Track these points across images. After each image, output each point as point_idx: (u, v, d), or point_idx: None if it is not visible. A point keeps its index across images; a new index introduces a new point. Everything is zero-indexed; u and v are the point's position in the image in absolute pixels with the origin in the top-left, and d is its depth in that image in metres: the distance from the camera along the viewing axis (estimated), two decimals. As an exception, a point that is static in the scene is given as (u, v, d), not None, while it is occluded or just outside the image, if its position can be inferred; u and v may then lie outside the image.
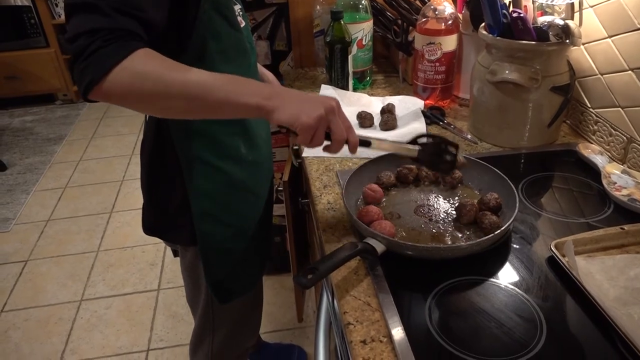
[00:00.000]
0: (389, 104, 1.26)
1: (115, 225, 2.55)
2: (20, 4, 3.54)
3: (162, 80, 0.69)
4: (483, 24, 1.11)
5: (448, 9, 1.24)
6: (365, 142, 0.82)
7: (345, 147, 0.79)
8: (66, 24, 0.70)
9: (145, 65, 0.68)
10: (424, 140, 0.85)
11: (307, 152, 1.15)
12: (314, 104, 0.73)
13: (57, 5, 3.62)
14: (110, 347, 1.87)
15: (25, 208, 2.73)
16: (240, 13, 0.96)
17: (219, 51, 0.88)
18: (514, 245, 0.84)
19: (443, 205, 0.93)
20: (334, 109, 0.75)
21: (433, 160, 0.86)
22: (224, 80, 0.73)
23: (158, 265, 2.27)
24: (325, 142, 0.77)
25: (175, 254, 1.22)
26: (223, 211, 1.02)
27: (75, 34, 0.67)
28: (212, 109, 0.74)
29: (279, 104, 0.72)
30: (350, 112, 1.29)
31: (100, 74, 0.66)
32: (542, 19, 1.06)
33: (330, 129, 0.76)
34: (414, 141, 0.86)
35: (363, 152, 1.12)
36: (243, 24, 0.96)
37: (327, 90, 1.35)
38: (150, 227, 1.09)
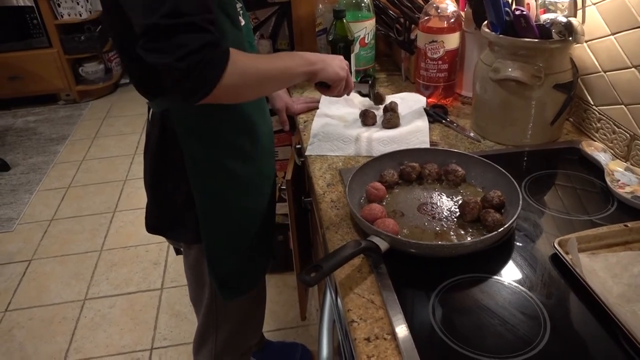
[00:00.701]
0: (391, 102, 1.26)
1: (118, 225, 2.56)
2: (22, 4, 3.55)
3: (258, 72, 0.85)
4: (485, 21, 1.11)
5: (450, 6, 1.24)
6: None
7: None
8: (161, 41, 0.72)
9: (241, 63, 0.80)
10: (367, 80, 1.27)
11: (310, 151, 1.15)
12: (338, 61, 1.01)
13: (59, 6, 3.62)
14: (114, 346, 1.88)
15: (28, 208, 2.74)
16: (241, 12, 0.96)
17: None
18: (517, 243, 0.84)
19: (446, 203, 0.93)
20: (346, 63, 1.04)
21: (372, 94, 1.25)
22: (287, 58, 0.93)
23: (161, 265, 2.27)
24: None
25: (178, 253, 1.22)
26: (227, 208, 1.03)
27: (186, 52, 0.72)
28: (283, 83, 1.02)
29: (321, 66, 0.96)
30: (353, 112, 1.29)
31: (216, 81, 0.76)
32: (545, 17, 1.06)
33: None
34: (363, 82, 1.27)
35: (366, 151, 1.13)
36: (243, 23, 0.96)
37: None
38: (154, 225, 1.10)
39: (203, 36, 0.73)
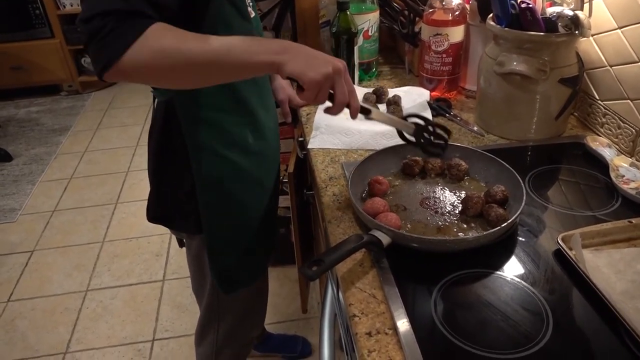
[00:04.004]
0: (395, 96, 1.26)
1: (120, 216, 2.56)
2: (25, -6, 3.54)
3: (180, 52, 0.70)
4: (491, 14, 1.10)
5: (455, -1, 1.23)
6: (366, 110, 0.83)
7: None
8: (81, 5, 0.70)
9: (160, 40, 0.69)
10: (415, 120, 0.89)
11: (312, 144, 1.15)
12: (322, 61, 0.75)
13: (61, -4, 3.61)
14: (116, 337, 1.89)
15: (31, 199, 2.74)
16: (251, 4, 0.95)
17: None
18: (521, 238, 0.84)
19: (449, 198, 0.93)
20: (340, 70, 0.76)
21: (425, 140, 0.90)
22: (235, 43, 0.74)
23: (163, 256, 2.28)
24: (328, 104, 0.79)
25: (181, 244, 1.22)
26: (229, 201, 1.02)
27: (90, 15, 0.67)
28: (229, 73, 0.77)
29: (289, 58, 0.74)
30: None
31: (117, 54, 0.67)
32: (551, 10, 1.05)
33: (333, 90, 0.77)
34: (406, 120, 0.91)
35: (368, 144, 1.12)
36: (253, 15, 0.95)
37: None
38: (156, 215, 1.09)
39: (114, 1, 0.67)
